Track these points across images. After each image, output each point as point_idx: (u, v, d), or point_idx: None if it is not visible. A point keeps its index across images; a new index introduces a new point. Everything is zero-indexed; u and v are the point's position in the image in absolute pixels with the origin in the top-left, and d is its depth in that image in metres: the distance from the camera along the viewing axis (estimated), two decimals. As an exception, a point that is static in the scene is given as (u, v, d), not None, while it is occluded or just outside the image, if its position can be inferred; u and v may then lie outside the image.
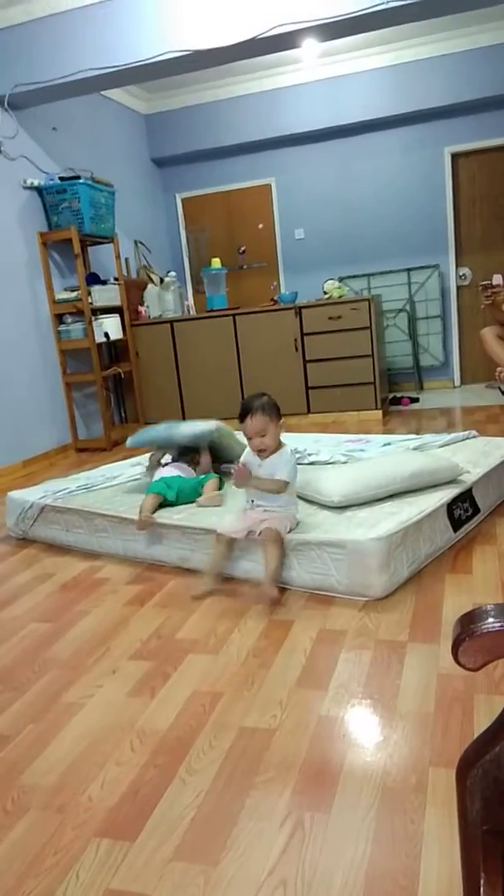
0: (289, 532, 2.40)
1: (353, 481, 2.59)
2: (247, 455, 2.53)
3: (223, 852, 1.27)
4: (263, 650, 1.99)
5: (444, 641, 1.93)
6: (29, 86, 4.54)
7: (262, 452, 2.42)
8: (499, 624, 0.80)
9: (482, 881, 0.79)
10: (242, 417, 2.39)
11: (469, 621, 0.82)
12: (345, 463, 3.20)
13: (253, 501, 2.49)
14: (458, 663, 0.81)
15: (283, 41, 4.25)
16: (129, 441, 3.35)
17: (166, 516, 2.73)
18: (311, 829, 1.31)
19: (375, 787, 1.40)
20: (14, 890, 1.24)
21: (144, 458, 3.92)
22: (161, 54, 4.32)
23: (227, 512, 2.65)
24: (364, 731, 1.58)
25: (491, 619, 0.81)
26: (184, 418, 5.92)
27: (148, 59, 4.35)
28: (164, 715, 1.72)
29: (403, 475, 2.61)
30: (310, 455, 3.38)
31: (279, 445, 2.45)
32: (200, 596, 2.41)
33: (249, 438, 2.41)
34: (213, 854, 1.27)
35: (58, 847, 1.33)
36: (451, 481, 2.72)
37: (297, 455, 2.69)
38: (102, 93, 5.94)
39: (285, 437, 3.42)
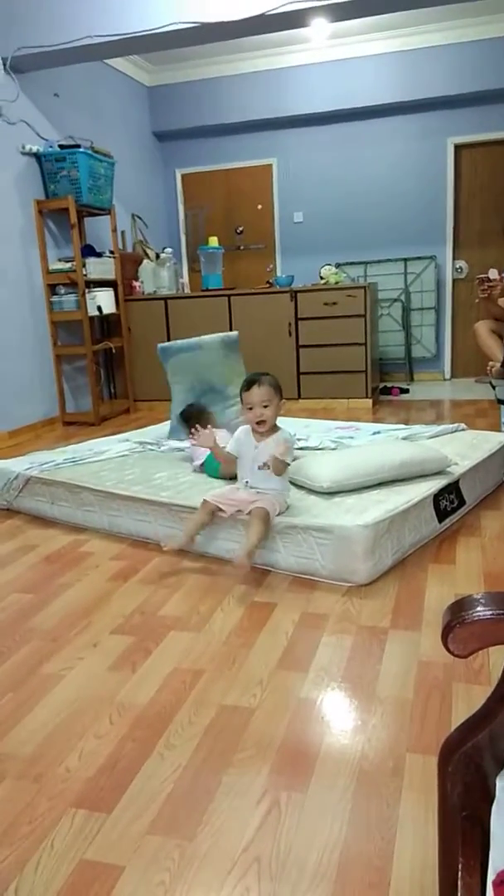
0: (278, 515, 2.40)
1: (343, 468, 2.59)
2: (242, 435, 2.51)
3: (199, 827, 1.28)
4: (246, 630, 2.00)
5: (426, 629, 1.95)
6: (32, 49, 4.45)
7: (260, 425, 2.42)
8: (489, 612, 0.81)
9: (460, 865, 0.80)
10: (249, 386, 2.40)
11: (459, 609, 0.82)
12: (334, 449, 3.20)
13: (247, 483, 2.49)
14: (448, 650, 0.81)
15: (293, 19, 4.19)
16: (162, 346, 3.58)
17: (152, 493, 2.72)
18: (287, 808, 1.32)
19: (352, 770, 1.41)
20: (-12, 856, 1.24)
21: (133, 435, 3.91)
22: (168, 25, 4.24)
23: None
24: (343, 715, 1.59)
25: (481, 608, 0.81)
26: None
27: (154, 29, 4.27)
28: (145, 690, 1.72)
29: (393, 464, 2.62)
30: (300, 440, 3.37)
31: (275, 428, 2.45)
32: (169, 551, 2.47)
33: (250, 409, 2.41)
34: (189, 829, 1.28)
35: (33, 816, 1.33)
36: (439, 472, 2.73)
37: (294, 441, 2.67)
38: (106, 61, 5.84)
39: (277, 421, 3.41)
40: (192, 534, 2.47)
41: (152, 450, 3.49)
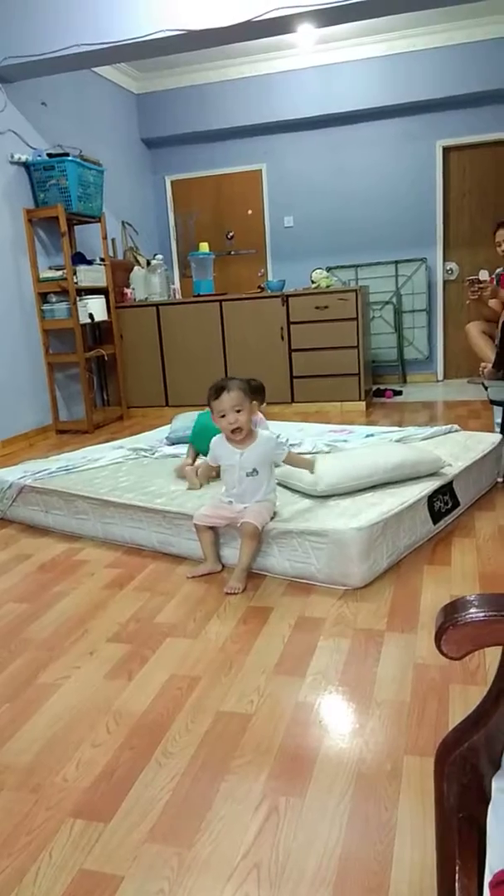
0: (270, 520, 2.39)
1: (337, 471, 2.59)
2: (217, 445, 2.43)
3: (197, 835, 1.28)
4: (242, 636, 1.99)
5: (422, 631, 1.95)
6: (19, 58, 4.45)
7: (235, 432, 2.31)
8: (482, 613, 0.81)
9: (457, 867, 0.80)
10: (218, 393, 2.28)
11: (452, 611, 0.83)
12: (328, 452, 3.20)
13: (233, 498, 2.44)
14: (441, 652, 0.82)
15: (279, 25, 4.21)
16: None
17: (147, 500, 2.72)
18: (286, 813, 1.31)
19: (350, 774, 1.41)
20: (-14, 869, 1.23)
21: (127, 442, 3.90)
22: (155, 33, 4.25)
23: (205, 497, 2.64)
24: (340, 719, 1.59)
25: (474, 609, 0.82)
26: (167, 404, 5.90)
27: (141, 37, 4.28)
28: (141, 698, 1.72)
29: (387, 466, 2.62)
30: (293, 445, 3.37)
31: (252, 432, 2.38)
32: (199, 576, 2.41)
33: (223, 417, 2.30)
34: (188, 836, 1.27)
35: (31, 827, 1.33)
36: (433, 474, 2.74)
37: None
38: (94, 70, 5.85)
39: (271, 425, 3.41)
40: (212, 554, 2.44)
41: (146, 457, 3.48)
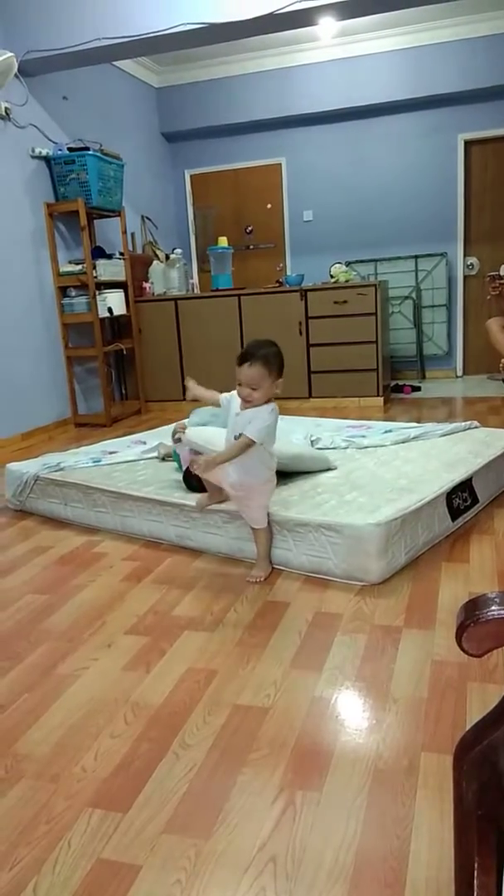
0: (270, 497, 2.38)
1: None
2: (233, 398, 2.28)
3: (214, 826, 1.28)
4: (259, 630, 2.00)
5: (440, 628, 1.94)
6: (41, 53, 4.47)
7: (245, 404, 2.21)
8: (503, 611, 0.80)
9: (476, 865, 0.80)
10: (241, 362, 2.15)
11: (474, 608, 0.82)
12: (345, 448, 3.19)
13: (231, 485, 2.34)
14: (462, 649, 0.81)
15: (301, 18, 4.19)
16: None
17: (166, 494, 2.73)
18: (303, 807, 1.32)
19: (367, 769, 1.41)
20: (5, 857, 1.25)
21: (145, 436, 3.92)
22: (176, 26, 4.25)
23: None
24: (357, 714, 1.59)
25: (495, 607, 0.81)
26: (184, 398, 5.89)
27: (162, 31, 4.28)
28: (159, 690, 1.73)
29: (288, 454, 2.71)
30: (311, 439, 3.37)
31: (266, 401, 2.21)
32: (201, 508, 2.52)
33: (240, 384, 2.18)
34: (205, 828, 1.28)
35: (50, 816, 1.34)
36: (439, 476, 2.72)
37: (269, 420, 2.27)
38: (114, 63, 5.86)
39: (286, 420, 3.40)
40: (213, 487, 2.46)
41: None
